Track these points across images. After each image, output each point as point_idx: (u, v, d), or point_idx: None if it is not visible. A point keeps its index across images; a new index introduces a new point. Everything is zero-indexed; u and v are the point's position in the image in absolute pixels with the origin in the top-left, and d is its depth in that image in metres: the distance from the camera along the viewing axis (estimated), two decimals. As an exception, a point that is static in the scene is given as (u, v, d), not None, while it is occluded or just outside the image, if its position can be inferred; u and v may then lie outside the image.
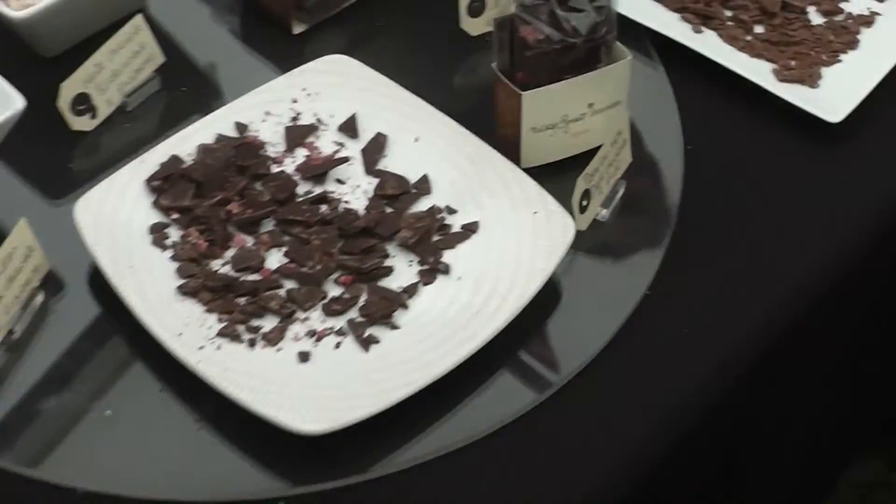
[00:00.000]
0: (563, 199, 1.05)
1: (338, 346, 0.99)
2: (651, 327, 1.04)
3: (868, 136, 1.18)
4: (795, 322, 1.08)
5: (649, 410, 0.99)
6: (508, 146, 1.11)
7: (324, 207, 1.07)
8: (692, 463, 1.05)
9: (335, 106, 1.14)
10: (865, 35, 1.25)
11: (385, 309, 1.00)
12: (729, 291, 1.07)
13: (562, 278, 1.05)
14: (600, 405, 1.00)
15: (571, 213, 1.04)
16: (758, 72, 1.20)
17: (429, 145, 1.11)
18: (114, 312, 1.00)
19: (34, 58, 1.19)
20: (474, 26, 1.19)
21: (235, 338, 0.97)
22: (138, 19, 1.15)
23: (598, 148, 1.07)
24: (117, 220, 1.03)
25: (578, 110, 1.10)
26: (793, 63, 1.21)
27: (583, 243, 1.07)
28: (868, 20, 1.26)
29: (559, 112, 1.09)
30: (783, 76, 1.20)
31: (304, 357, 0.98)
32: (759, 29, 1.25)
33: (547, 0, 1.06)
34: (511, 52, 1.08)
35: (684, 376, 1.02)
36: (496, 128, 1.13)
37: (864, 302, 1.19)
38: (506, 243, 1.04)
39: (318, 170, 1.10)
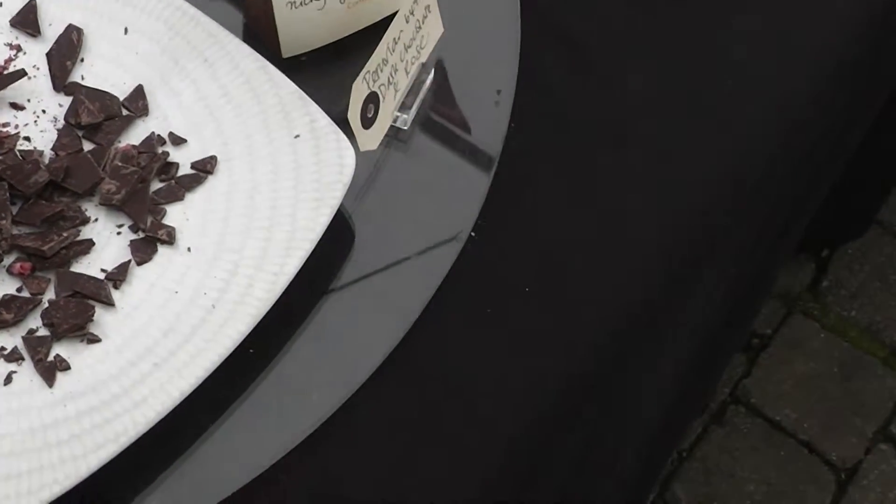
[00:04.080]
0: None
1: (9, 380, 0.66)
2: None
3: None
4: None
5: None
6: (263, 30, 0.76)
7: (-8, 152, 0.72)
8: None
9: (5, -12, 0.77)
10: None
11: (79, 312, 0.67)
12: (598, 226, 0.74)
13: (349, 225, 0.72)
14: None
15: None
16: None
17: (145, 39, 0.76)
18: None
19: None
20: None
21: None
22: None
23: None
24: None
25: (355, -31, 0.74)
26: None
27: (381, 169, 0.73)
28: None
29: (325, -25, 0.74)
30: None
31: (-45, 405, 0.65)
32: None
33: None
34: None
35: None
36: (244, 5, 0.77)
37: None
38: (255, 189, 0.70)
39: (-18, 92, 0.74)
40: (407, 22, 0.72)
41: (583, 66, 0.80)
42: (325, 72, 0.77)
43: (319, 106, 0.72)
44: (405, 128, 0.75)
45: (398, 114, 0.74)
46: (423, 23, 0.74)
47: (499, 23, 0.80)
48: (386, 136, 0.74)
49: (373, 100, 0.71)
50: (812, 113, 0.83)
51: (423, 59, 0.75)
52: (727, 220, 0.79)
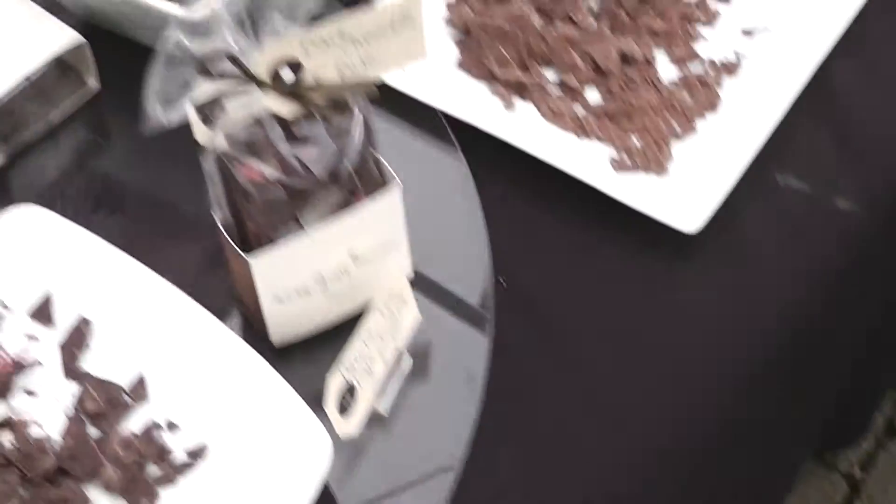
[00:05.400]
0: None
1: None
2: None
3: (730, 244, 0.89)
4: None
5: None
6: (253, 316, 0.83)
7: (7, 438, 0.79)
8: None
9: (25, 282, 0.85)
10: (728, 89, 0.96)
11: None
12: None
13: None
14: None
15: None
16: (590, 162, 0.91)
17: (147, 331, 0.83)
18: None
19: None
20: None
21: None
22: None
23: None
24: None
25: (335, 263, 0.81)
26: (636, 142, 0.92)
27: (362, 452, 0.79)
28: (731, 67, 0.97)
29: (307, 271, 0.81)
30: (622, 164, 0.91)
31: None
32: (592, 94, 0.96)
33: (264, 124, 0.76)
34: (230, 199, 0.79)
35: None
36: (235, 294, 0.85)
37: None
38: (239, 476, 0.76)
39: (-1, 381, 0.81)
40: (382, 315, 0.79)
41: (550, 339, 0.86)
42: (316, 355, 0.83)
43: (307, 387, 0.78)
44: (385, 414, 0.80)
45: (377, 400, 0.80)
46: (399, 313, 0.81)
47: (470, 302, 0.86)
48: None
49: (349, 389, 0.77)
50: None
51: (400, 345, 0.81)
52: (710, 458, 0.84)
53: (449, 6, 1.01)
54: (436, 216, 0.89)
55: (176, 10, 0.89)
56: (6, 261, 0.86)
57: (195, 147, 0.77)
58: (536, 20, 0.97)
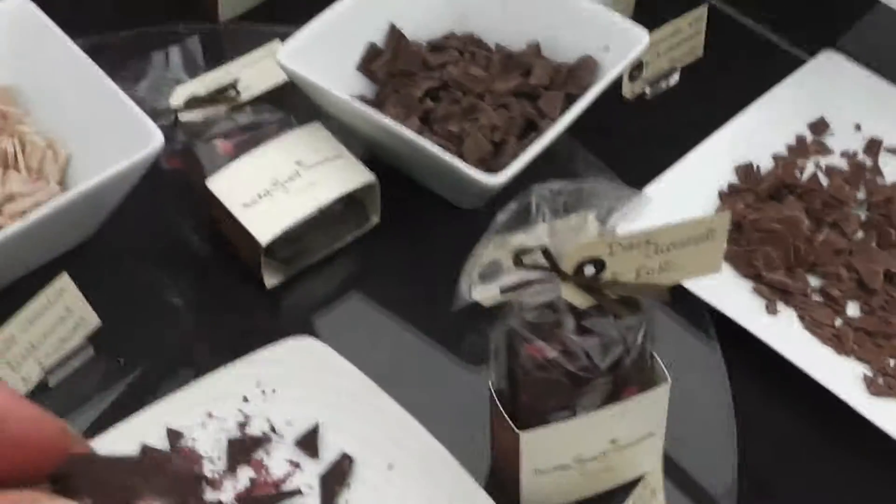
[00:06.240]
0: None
1: None
2: None
3: None
4: None
5: None
6: (507, 482, 0.86)
7: (259, 561, 0.83)
8: None
9: (295, 410, 0.90)
10: None
11: None
12: None
13: None
14: None
15: None
16: (844, 377, 0.93)
17: (404, 477, 0.87)
18: None
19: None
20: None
21: None
22: (63, 280, 0.92)
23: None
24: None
25: (597, 448, 0.85)
26: (892, 364, 0.94)
27: None
28: None
29: (570, 451, 0.84)
30: (876, 387, 0.92)
31: None
32: (852, 310, 0.97)
33: (557, 310, 0.80)
34: (510, 371, 0.83)
35: None
36: (493, 457, 0.88)
37: None
38: None
39: (261, 504, 0.86)
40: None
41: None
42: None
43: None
44: None
45: None
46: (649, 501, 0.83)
47: (714, 493, 0.88)
48: None
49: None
50: None
51: (646, 535, 0.84)
52: None
53: (721, 196, 1.04)
54: (687, 407, 0.91)
55: (480, 174, 0.94)
56: (280, 387, 0.91)
57: (460, 302, 0.80)
58: (805, 224, 0.99)
